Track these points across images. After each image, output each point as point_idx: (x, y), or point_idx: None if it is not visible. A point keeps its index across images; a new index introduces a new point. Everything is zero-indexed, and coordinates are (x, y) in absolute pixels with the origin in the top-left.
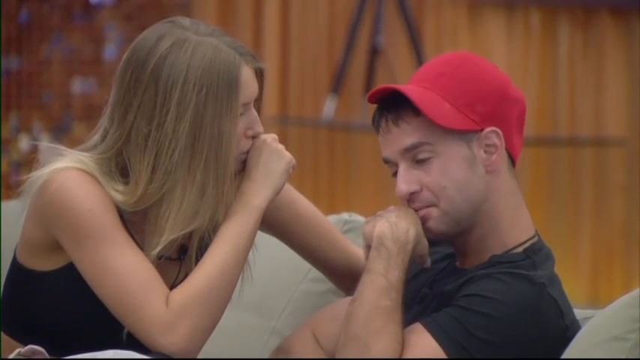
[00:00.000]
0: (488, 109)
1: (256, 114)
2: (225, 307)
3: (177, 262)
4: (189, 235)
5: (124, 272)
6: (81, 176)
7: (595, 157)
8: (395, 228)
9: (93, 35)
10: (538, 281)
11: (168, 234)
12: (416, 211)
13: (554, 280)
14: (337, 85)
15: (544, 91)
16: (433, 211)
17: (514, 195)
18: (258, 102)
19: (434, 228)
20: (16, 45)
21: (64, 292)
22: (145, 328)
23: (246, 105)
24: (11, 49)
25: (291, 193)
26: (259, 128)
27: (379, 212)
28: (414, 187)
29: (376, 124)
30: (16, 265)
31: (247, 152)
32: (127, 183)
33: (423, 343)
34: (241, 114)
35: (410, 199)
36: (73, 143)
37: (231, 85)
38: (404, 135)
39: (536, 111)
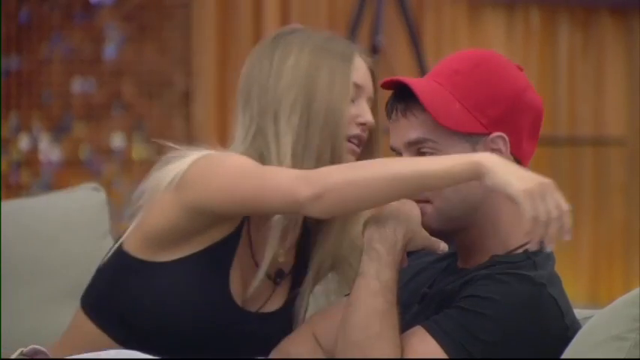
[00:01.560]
0: (498, 114)
1: (368, 107)
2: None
3: (272, 284)
4: (294, 259)
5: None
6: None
7: (595, 156)
8: (382, 229)
9: (93, 35)
10: (538, 281)
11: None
12: None
13: (554, 280)
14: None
15: (544, 91)
16: (427, 208)
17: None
18: (371, 101)
19: (426, 224)
20: (16, 44)
21: (181, 283)
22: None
23: (359, 89)
24: (11, 49)
25: None
26: (369, 118)
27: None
28: (425, 194)
29: (388, 111)
30: (124, 258)
31: (353, 139)
32: None
33: (425, 345)
34: (352, 100)
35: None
36: (73, 143)
37: (345, 59)
38: (410, 128)
39: None
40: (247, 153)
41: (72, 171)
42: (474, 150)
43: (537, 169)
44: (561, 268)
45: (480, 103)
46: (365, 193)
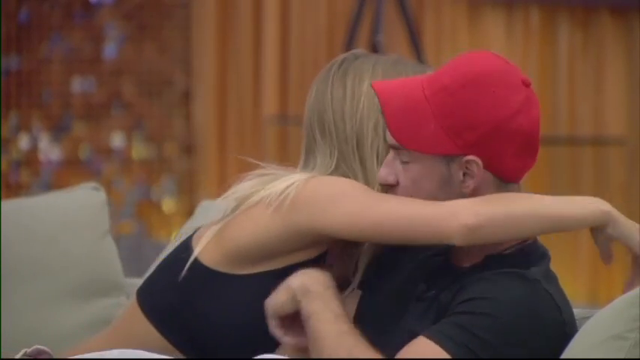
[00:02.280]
0: (475, 139)
1: None
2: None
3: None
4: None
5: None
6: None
7: (595, 156)
8: (308, 272)
9: (93, 34)
10: (532, 278)
11: None
12: None
13: (549, 276)
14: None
15: (544, 90)
16: (395, 191)
17: None
18: None
19: None
20: (15, 44)
21: (257, 296)
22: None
23: None
24: (11, 48)
25: None
26: None
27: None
28: (391, 179)
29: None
30: (198, 268)
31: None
32: None
33: (429, 350)
34: None
35: (388, 187)
36: (73, 142)
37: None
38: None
39: None
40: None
41: (72, 170)
42: (448, 167)
43: (537, 168)
44: (561, 268)
45: (458, 125)
46: (516, 229)
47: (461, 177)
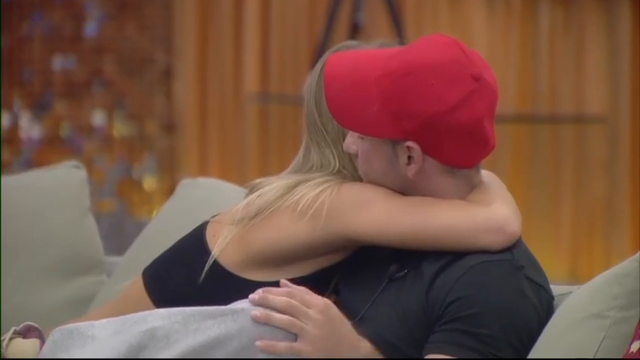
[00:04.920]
0: (414, 128)
1: None
2: None
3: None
4: None
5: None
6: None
7: (575, 134)
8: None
9: (73, 12)
10: (518, 265)
11: None
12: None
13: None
14: (317, 61)
15: (525, 69)
16: (362, 175)
17: (455, 190)
18: None
19: None
20: None
21: None
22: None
23: None
24: None
25: None
26: None
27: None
28: (353, 149)
29: None
30: (219, 271)
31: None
32: None
33: None
34: None
35: (354, 157)
36: (54, 120)
37: None
38: None
39: (517, 89)
40: (345, 178)
41: (52, 148)
42: (394, 149)
43: (518, 146)
44: (542, 245)
45: (398, 112)
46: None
47: (406, 160)
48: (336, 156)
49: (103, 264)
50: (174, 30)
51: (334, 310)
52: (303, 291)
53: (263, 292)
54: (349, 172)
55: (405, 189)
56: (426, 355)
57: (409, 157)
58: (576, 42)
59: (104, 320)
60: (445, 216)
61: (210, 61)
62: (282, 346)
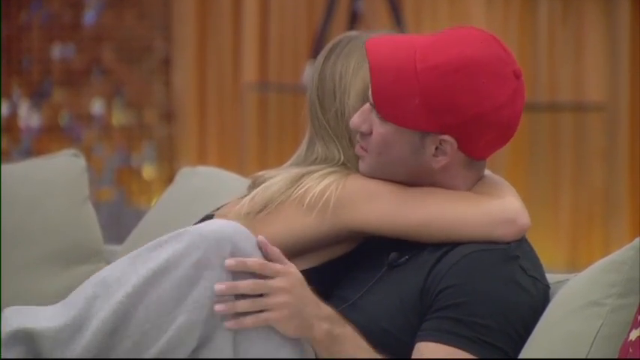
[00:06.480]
0: (455, 123)
1: None
2: None
3: None
4: None
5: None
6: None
7: (574, 122)
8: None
9: (72, 0)
10: (512, 255)
11: None
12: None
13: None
14: (317, 50)
15: (524, 57)
16: (364, 158)
17: (465, 182)
18: None
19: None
20: None
21: None
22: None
23: None
24: None
25: None
26: None
27: None
28: (365, 128)
29: None
30: None
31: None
32: None
33: (443, 353)
34: None
35: (359, 135)
36: (53, 109)
37: None
38: None
39: None
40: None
41: (51, 137)
42: (422, 140)
43: (517, 135)
44: (540, 234)
45: (440, 108)
46: None
47: (433, 151)
48: (340, 150)
49: (102, 253)
50: (174, 18)
51: (296, 273)
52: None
53: (236, 262)
54: (353, 166)
55: (416, 178)
56: (417, 342)
57: (436, 149)
58: (575, 31)
59: (50, 307)
60: (460, 209)
61: (210, 50)
62: (250, 320)
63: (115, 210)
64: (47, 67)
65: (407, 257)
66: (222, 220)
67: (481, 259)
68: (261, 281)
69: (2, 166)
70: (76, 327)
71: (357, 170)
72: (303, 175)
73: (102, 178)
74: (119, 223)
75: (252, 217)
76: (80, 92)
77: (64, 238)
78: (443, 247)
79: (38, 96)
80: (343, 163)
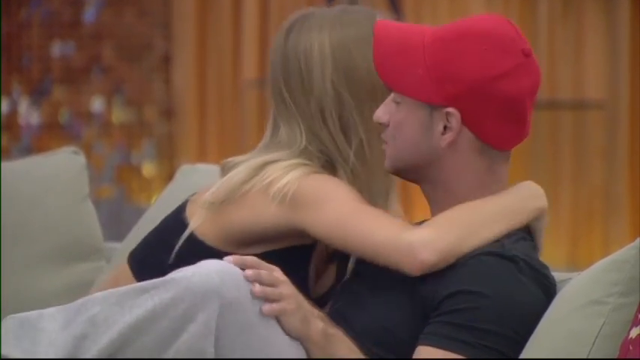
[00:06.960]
0: (456, 92)
1: None
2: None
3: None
4: None
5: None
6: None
7: (574, 120)
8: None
9: None
10: (510, 254)
11: None
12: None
13: (520, 245)
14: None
15: None
16: (387, 151)
17: (478, 175)
18: None
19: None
20: None
21: None
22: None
23: None
24: None
25: None
26: None
27: None
28: (384, 119)
29: None
30: (198, 246)
31: None
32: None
33: (440, 355)
34: None
35: (383, 127)
36: (53, 106)
37: (369, 33)
38: None
39: None
40: (311, 158)
41: (51, 135)
42: (430, 116)
43: None
44: None
45: (443, 76)
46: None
47: (441, 129)
48: (303, 132)
49: (102, 250)
50: (174, 16)
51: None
52: (270, 268)
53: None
54: (315, 149)
55: (430, 163)
56: (418, 345)
57: (445, 127)
58: (575, 28)
59: (53, 309)
60: (373, 229)
61: (209, 48)
62: (266, 308)
63: (115, 207)
64: (47, 64)
65: None
66: (211, 263)
67: (481, 263)
68: (268, 272)
69: (2, 164)
70: None
71: (318, 155)
72: (266, 164)
73: (102, 175)
74: (119, 221)
75: (216, 208)
76: (80, 90)
77: (64, 235)
78: None
79: (38, 93)
80: (305, 147)
